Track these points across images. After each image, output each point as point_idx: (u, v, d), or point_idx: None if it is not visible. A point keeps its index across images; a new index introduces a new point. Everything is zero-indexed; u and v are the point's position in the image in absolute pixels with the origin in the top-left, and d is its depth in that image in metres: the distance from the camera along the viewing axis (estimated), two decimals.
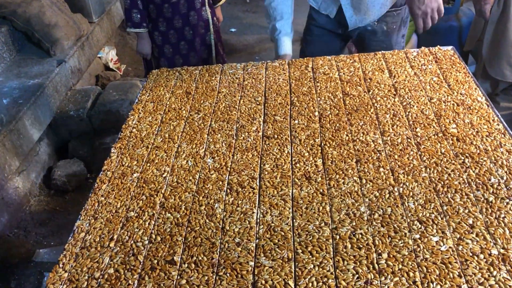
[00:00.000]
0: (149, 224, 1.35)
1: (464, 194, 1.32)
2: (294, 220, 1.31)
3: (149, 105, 1.92)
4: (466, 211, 1.27)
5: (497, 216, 1.24)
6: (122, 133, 1.77)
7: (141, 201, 1.44)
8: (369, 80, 1.90)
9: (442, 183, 1.36)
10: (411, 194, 1.34)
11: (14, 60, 3.80)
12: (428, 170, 1.42)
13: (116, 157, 1.65)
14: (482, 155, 1.45)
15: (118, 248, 1.29)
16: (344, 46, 2.58)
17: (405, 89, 1.81)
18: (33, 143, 3.14)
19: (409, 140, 1.55)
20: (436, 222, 1.24)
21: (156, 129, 1.76)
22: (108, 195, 1.48)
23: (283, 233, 1.27)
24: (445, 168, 1.41)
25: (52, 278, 1.22)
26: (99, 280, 1.20)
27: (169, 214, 1.38)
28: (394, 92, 1.80)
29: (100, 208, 1.43)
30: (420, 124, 1.62)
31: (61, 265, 1.26)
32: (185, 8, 3.01)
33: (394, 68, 1.95)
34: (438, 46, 2.07)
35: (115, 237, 1.32)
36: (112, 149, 1.68)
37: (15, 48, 3.87)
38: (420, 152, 1.49)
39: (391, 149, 1.52)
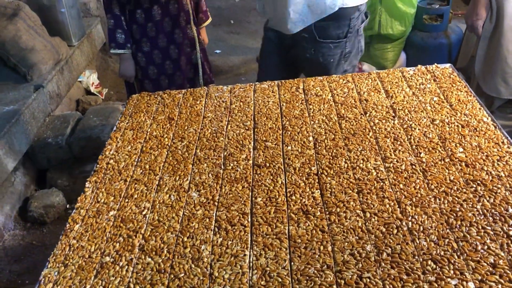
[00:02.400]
0: (126, 271, 1.19)
1: (480, 227, 1.18)
2: (292, 263, 1.15)
3: (128, 133, 1.76)
4: (485, 247, 1.12)
5: None
6: (98, 165, 1.61)
7: (118, 244, 1.27)
8: (365, 102, 1.77)
9: (455, 215, 1.22)
10: (421, 228, 1.20)
11: None
12: (437, 200, 1.28)
13: (91, 192, 1.48)
14: (496, 182, 1.32)
15: None
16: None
17: (404, 110, 1.69)
18: (7, 173, 2.95)
19: (413, 166, 1.42)
20: (452, 261, 1.10)
21: (136, 160, 1.61)
22: (81, 237, 1.31)
23: (280, 279, 1.11)
24: (456, 198, 1.28)
25: None
26: None
27: (150, 259, 1.21)
28: (393, 114, 1.68)
29: (71, 253, 1.26)
30: (424, 148, 1.49)
31: None
32: (169, 26, 2.89)
33: (390, 88, 1.83)
34: (436, 64, 1.96)
35: None
36: (86, 183, 1.52)
37: None
38: (427, 180, 1.36)
39: (395, 177, 1.38)
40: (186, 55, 3.01)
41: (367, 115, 1.69)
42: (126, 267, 1.20)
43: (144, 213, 1.37)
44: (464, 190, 1.30)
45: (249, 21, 6.32)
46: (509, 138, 1.50)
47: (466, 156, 1.43)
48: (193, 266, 1.18)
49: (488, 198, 1.27)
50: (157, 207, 1.39)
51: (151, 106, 1.93)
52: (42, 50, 3.70)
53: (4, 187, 2.97)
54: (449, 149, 1.47)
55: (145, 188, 1.47)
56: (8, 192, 3.02)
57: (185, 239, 1.26)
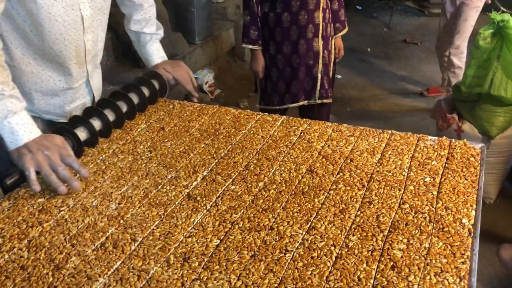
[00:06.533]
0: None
1: None
2: None
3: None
4: None
5: None
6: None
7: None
8: (349, 161, 1.55)
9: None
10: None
11: (108, 65, 4.11)
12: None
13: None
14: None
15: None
16: None
17: (381, 183, 1.43)
18: None
19: (332, 248, 1.19)
20: None
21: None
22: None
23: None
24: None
25: None
26: None
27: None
28: (365, 183, 1.43)
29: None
30: (363, 232, 1.24)
31: None
32: (295, 35, 3.02)
33: (390, 153, 1.57)
34: (465, 140, 1.61)
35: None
36: None
37: (113, 55, 4.19)
38: (330, 269, 1.13)
39: (302, 253, 1.18)
40: (306, 67, 3.09)
41: (337, 176, 1.48)
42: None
43: (62, 208, 1.41)
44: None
45: (387, 52, 6.01)
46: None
47: (401, 258, 1.15)
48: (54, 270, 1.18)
49: None
50: (76, 206, 1.41)
51: (158, 112, 1.96)
52: None
53: None
54: (389, 243, 1.20)
55: (84, 185, 1.51)
56: None
57: (68, 246, 1.26)
